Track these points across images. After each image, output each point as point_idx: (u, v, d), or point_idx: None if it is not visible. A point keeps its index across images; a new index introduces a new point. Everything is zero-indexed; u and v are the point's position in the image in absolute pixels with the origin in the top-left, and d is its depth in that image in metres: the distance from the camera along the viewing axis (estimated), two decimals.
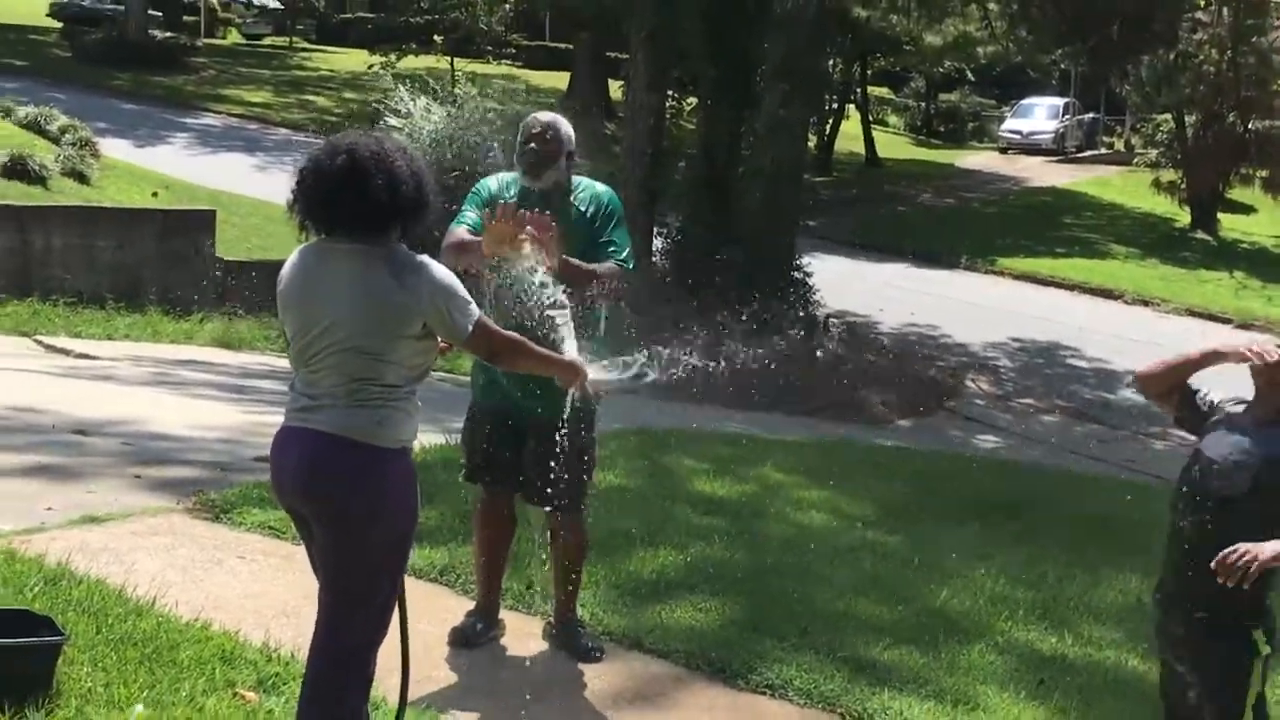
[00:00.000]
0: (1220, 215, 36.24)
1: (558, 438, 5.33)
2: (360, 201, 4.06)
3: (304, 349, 4.19)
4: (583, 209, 5.69)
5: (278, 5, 56.46)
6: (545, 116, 5.79)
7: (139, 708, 4.66)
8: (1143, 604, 7.58)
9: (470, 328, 4.20)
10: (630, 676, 5.79)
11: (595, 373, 4.85)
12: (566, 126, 5.75)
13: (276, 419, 4.34)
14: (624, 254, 5.67)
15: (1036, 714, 5.79)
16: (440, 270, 4.19)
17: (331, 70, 46.24)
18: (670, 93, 23.11)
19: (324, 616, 4.23)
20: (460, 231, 5.53)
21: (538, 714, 5.33)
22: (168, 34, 43.90)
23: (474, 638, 5.85)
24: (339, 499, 4.12)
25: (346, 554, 4.15)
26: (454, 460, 7.87)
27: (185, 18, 50.46)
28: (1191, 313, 27.90)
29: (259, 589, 6.22)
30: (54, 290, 15.68)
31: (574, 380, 4.75)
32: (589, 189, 5.79)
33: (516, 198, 5.60)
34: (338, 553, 4.17)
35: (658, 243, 21.39)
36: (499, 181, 5.82)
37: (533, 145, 5.65)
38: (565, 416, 5.17)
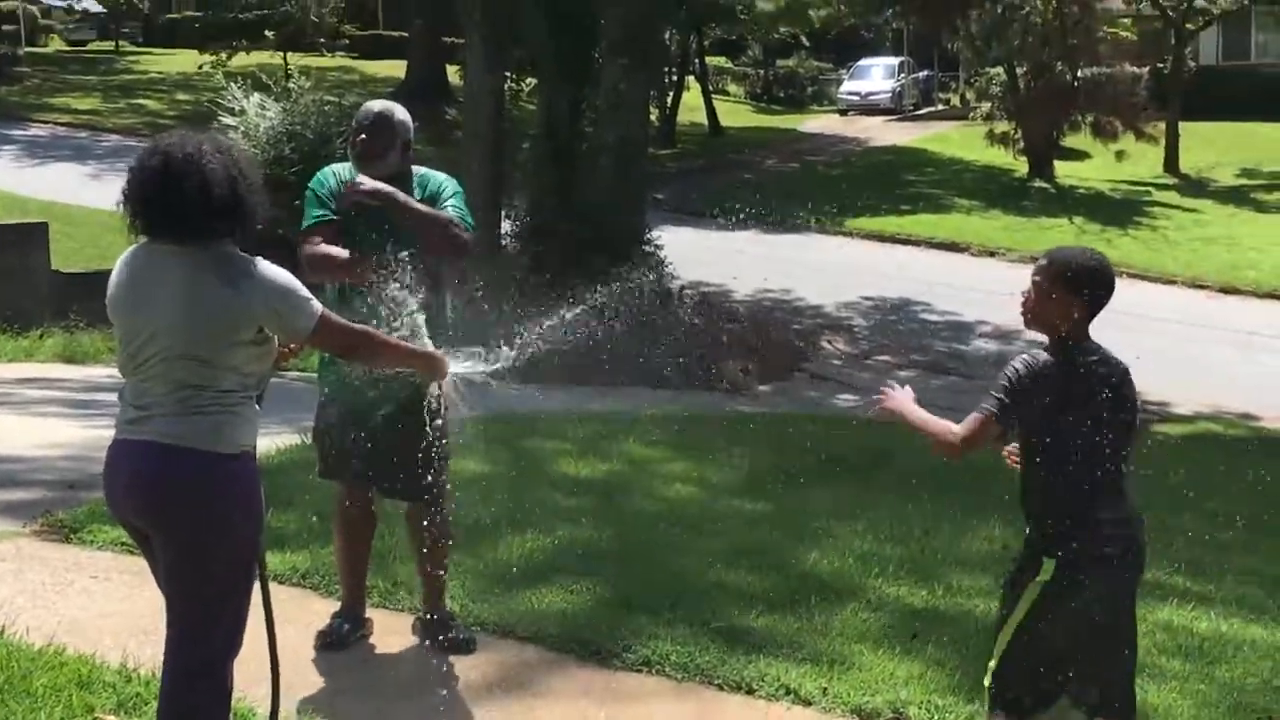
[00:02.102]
0: (1056, 163, 37.00)
1: (410, 428, 5.23)
2: (174, 203, 3.91)
3: (131, 356, 4.04)
4: (423, 196, 5.57)
5: (100, 9, 55.06)
6: (377, 105, 5.68)
7: None
8: (1009, 550, 7.70)
9: (312, 326, 4.08)
10: (504, 665, 5.71)
11: (456, 365, 4.77)
12: (401, 113, 5.63)
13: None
14: (463, 213, 5.55)
15: (911, 668, 5.81)
16: (273, 271, 4.03)
17: (161, 72, 45.29)
18: (509, 74, 22.98)
19: (173, 632, 4.08)
20: (323, 246, 5.40)
21: (412, 711, 5.23)
22: None
23: (342, 639, 5.73)
24: (175, 511, 3.98)
25: (189, 567, 4.01)
26: (308, 460, 7.72)
27: (4, 27, 49.01)
28: (1036, 260, 28.37)
29: (114, 608, 6.02)
30: None
31: (436, 372, 4.68)
32: (429, 177, 5.68)
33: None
34: (180, 566, 4.02)
35: (506, 225, 21.24)
36: (336, 174, 5.65)
37: (363, 136, 5.54)
38: (423, 406, 5.09)
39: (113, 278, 4.12)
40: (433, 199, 5.57)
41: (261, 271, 4.01)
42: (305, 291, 4.08)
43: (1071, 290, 4.33)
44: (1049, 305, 4.36)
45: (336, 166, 5.73)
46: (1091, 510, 4.22)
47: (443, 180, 5.70)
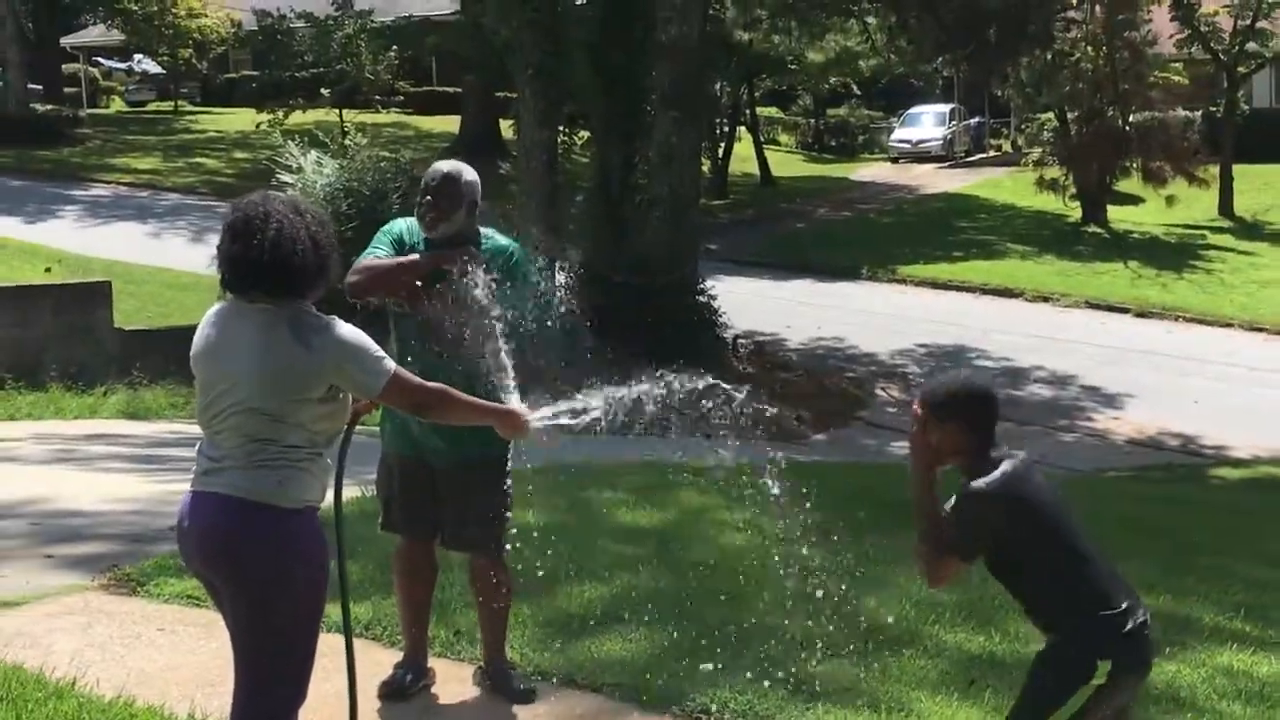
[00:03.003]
0: (1110, 208, 36.89)
1: (474, 480, 5.32)
2: (252, 261, 4.03)
3: (206, 409, 4.15)
4: (487, 256, 5.56)
5: (159, 70, 55.94)
6: (446, 166, 5.66)
7: None
8: None
9: (383, 384, 4.16)
10: (566, 714, 5.76)
11: (540, 411, 4.76)
12: (469, 175, 5.62)
13: (188, 487, 4.28)
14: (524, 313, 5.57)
15: (970, 714, 5.83)
16: (346, 329, 4.13)
17: (219, 131, 45.97)
18: (561, 128, 23.18)
19: (240, 682, 4.18)
20: (372, 258, 5.49)
21: None
22: (50, 106, 43.36)
23: (405, 688, 5.79)
24: (241, 563, 4.07)
25: (254, 618, 4.10)
26: (371, 512, 7.81)
27: (66, 89, 49.86)
28: (1090, 305, 28.36)
29: (181, 660, 6.12)
30: None
31: (516, 430, 4.69)
32: (492, 241, 5.69)
33: (417, 248, 5.58)
34: (246, 617, 4.12)
35: (560, 278, 21.38)
36: (404, 226, 5.70)
37: (429, 198, 5.56)
38: (487, 458, 5.14)
39: (198, 332, 4.23)
40: (500, 269, 5.55)
41: (334, 330, 4.11)
42: (378, 351, 4.17)
43: (948, 419, 4.31)
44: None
45: (409, 220, 5.72)
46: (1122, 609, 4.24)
47: (505, 246, 5.70)
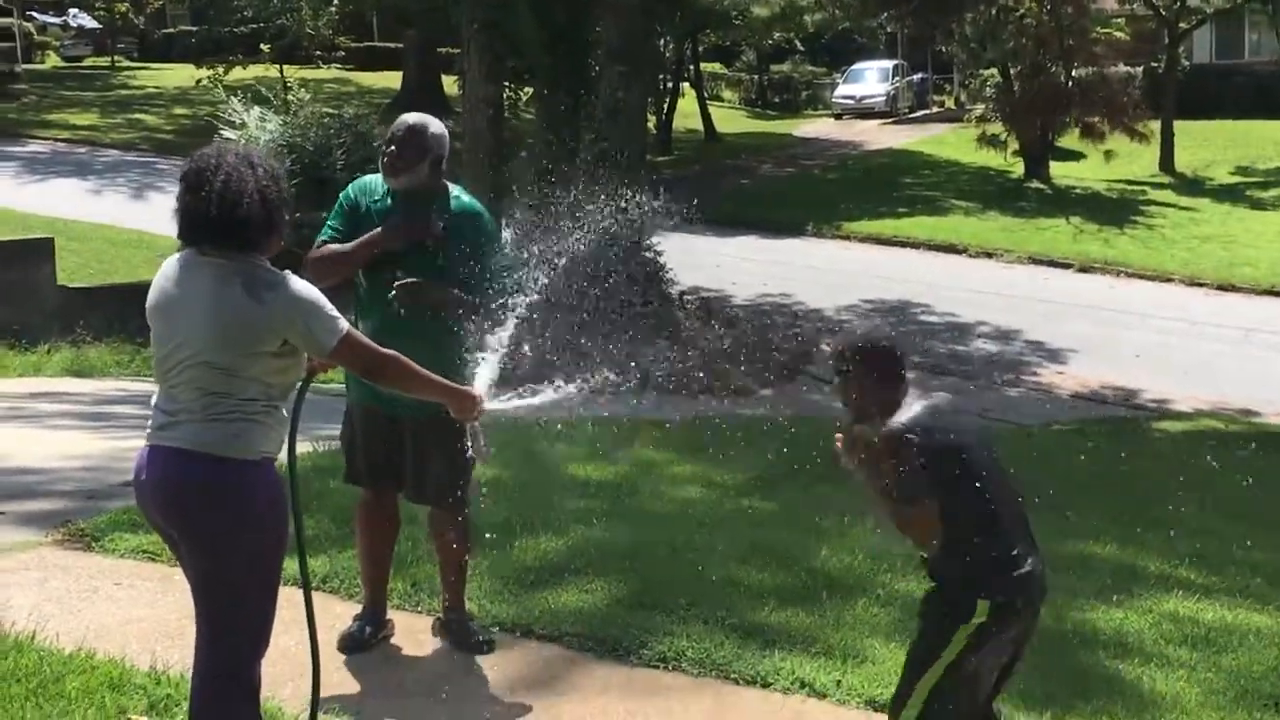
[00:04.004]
0: (1052, 164, 37.12)
1: (436, 434, 5.35)
2: (204, 212, 4.03)
3: (161, 362, 4.15)
4: (448, 217, 5.62)
5: (96, 25, 55.15)
6: (411, 118, 5.69)
7: None
8: None
9: (335, 343, 4.15)
10: (524, 664, 5.81)
11: (492, 404, 4.77)
12: (436, 128, 5.66)
13: (139, 443, 4.27)
14: (502, 278, 5.61)
15: None
16: (300, 285, 4.13)
17: (158, 87, 45.45)
18: (506, 84, 23.07)
19: (201, 634, 4.19)
20: (324, 247, 5.54)
21: (435, 710, 5.33)
22: None
23: (364, 640, 5.82)
24: (198, 514, 4.08)
25: (212, 569, 4.11)
26: (327, 468, 7.84)
27: (0, 44, 49.08)
28: (1034, 260, 28.57)
29: (140, 614, 6.12)
30: None
31: (467, 413, 4.70)
32: (457, 200, 5.72)
33: (382, 199, 5.63)
34: (204, 568, 4.13)
35: (506, 234, 21.29)
36: (364, 186, 5.75)
37: (393, 148, 5.60)
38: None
39: (153, 285, 4.23)
40: (459, 228, 5.59)
41: (288, 285, 4.10)
42: (332, 310, 4.16)
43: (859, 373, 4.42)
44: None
45: (372, 178, 5.78)
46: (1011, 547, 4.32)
47: (468, 205, 5.73)
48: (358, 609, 6.02)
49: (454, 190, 5.76)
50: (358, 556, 6.06)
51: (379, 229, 5.52)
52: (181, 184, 4.10)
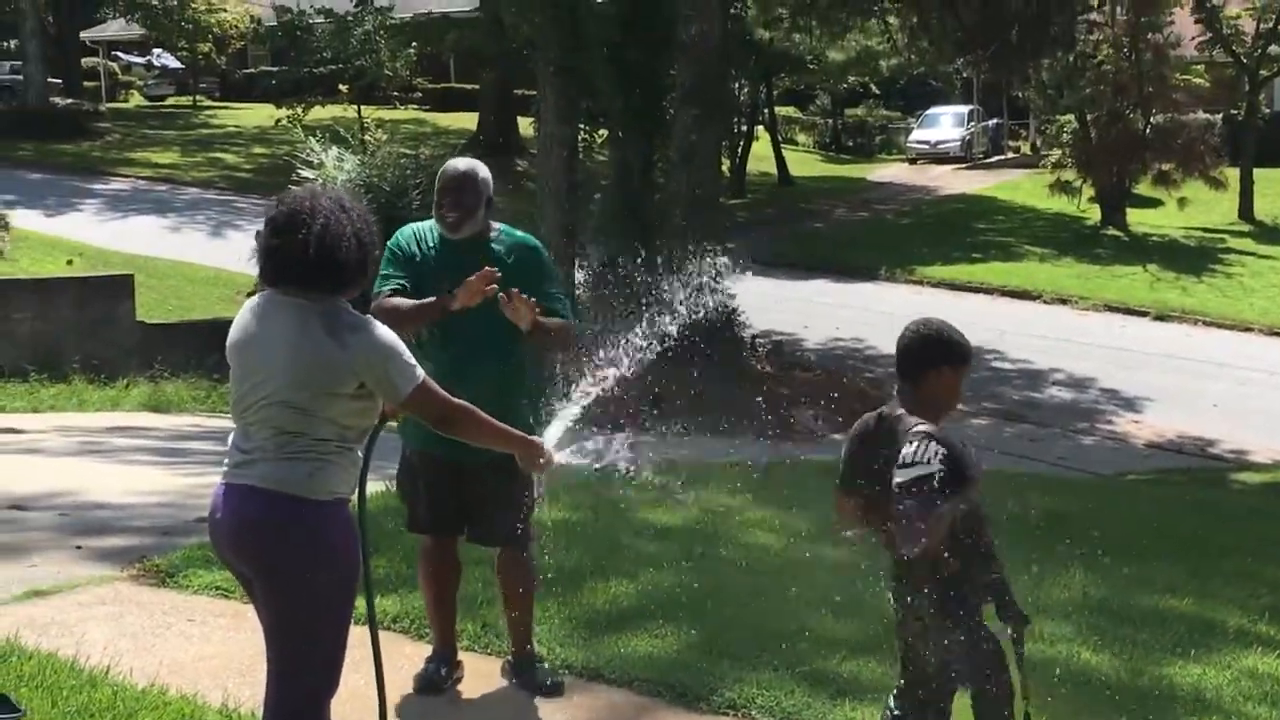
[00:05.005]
0: (1129, 211, 36.81)
1: (497, 474, 5.32)
2: (291, 254, 4.06)
3: (240, 400, 4.19)
4: (505, 256, 5.61)
5: (178, 65, 56.06)
6: (462, 164, 5.68)
7: None
8: (1089, 598, 7.70)
9: (411, 390, 4.16)
10: (593, 708, 5.79)
11: (561, 458, 4.73)
12: (484, 172, 5.66)
13: (215, 479, 4.31)
14: (567, 308, 5.66)
15: None
16: (383, 330, 4.16)
17: (238, 126, 46.11)
18: (581, 125, 23.20)
19: (271, 672, 4.20)
20: (392, 299, 5.48)
21: None
22: (69, 100, 43.53)
23: (438, 681, 5.82)
24: (270, 553, 4.10)
25: (285, 608, 4.13)
26: (397, 509, 7.83)
27: (86, 83, 50.04)
28: (1109, 308, 28.31)
29: (212, 650, 6.16)
30: None
31: (534, 465, 4.66)
32: (508, 236, 5.73)
33: (436, 249, 5.62)
34: (275, 607, 4.15)
35: (579, 276, 21.41)
36: (413, 234, 5.72)
37: (450, 198, 5.59)
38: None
39: (234, 323, 4.26)
40: (514, 263, 5.57)
41: (371, 330, 4.13)
42: (409, 357, 4.18)
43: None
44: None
45: (418, 226, 5.77)
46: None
47: (522, 240, 5.73)
48: (427, 650, 6.02)
49: (498, 227, 5.75)
50: (424, 601, 6.06)
51: (451, 293, 5.40)
52: (268, 226, 4.12)
